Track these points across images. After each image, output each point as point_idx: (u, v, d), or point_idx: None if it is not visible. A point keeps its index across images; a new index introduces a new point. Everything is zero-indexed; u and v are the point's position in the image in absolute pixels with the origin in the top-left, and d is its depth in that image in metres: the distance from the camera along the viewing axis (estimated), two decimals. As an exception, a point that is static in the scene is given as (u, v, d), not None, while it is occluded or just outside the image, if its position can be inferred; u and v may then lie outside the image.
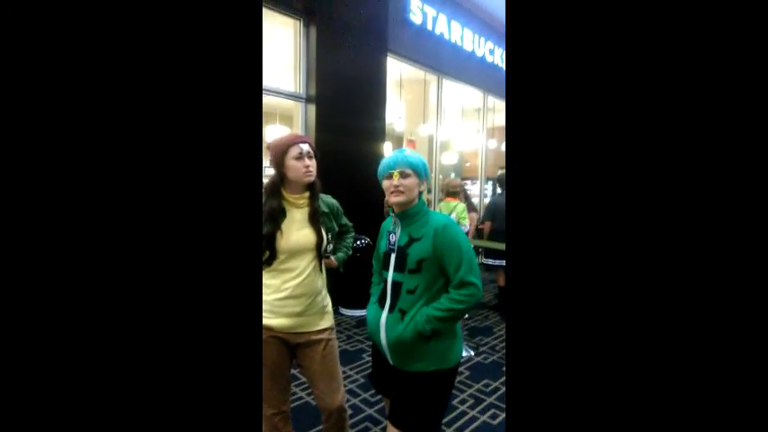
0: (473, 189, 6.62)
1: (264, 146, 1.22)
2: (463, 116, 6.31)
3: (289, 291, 1.21)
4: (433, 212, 1.16)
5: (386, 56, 3.87)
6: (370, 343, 2.75)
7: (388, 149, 4.36)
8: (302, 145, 1.22)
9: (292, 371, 1.43)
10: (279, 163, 1.21)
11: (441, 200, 3.51)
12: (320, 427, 1.75)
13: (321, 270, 1.29)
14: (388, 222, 1.21)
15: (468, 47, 5.19)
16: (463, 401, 2.05)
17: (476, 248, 3.92)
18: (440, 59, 4.79)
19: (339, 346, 1.36)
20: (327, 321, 1.31)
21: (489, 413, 1.95)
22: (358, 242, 3.18)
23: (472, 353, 2.65)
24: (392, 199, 1.12)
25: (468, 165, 7.64)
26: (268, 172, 1.26)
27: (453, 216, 3.20)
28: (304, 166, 1.21)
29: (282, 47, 3.59)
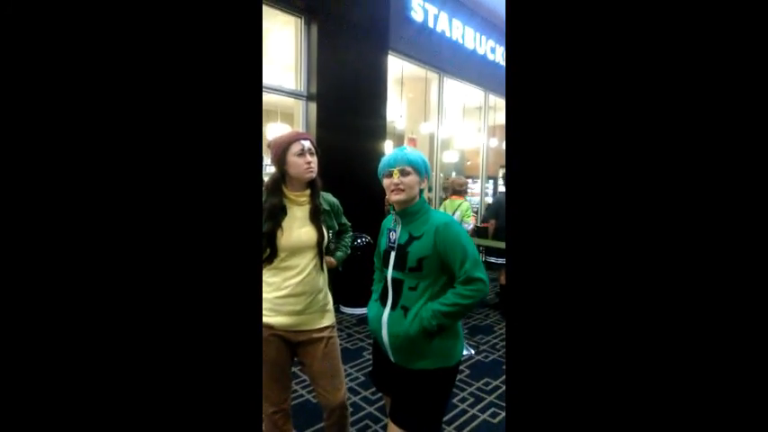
0: (474, 187, 6.62)
1: (265, 143, 1.23)
2: (464, 115, 6.30)
3: (289, 289, 1.21)
4: (434, 211, 1.16)
5: (387, 53, 3.87)
6: (371, 341, 2.77)
7: (389, 148, 4.35)
8: (304, 141, 1.21)
9: (293, 369, 1.43)
10: (280, 160, 1.21)
11: (444, 198, 3.51)
12: (321, 425, 1.76)
13: (322, 268, 1.29)
14: (389, 220, 1.21)
15: (469, 45, 5.18)
16: (463, 400, 2.05)
17: (477, 247, 3.91)
18: (441, 57, 4.78)
19: (339, 345, 1.37)
20: (329, 320, 1.30)
21: (489, 411, 1.95)
22: (359, 240, 3.19)
23: (473, 351, 2.65)
24: (392, 197, 1.11)
25: (469, 163, 7.64)
26: (269, 170, 1.26)
27: (458, 214, 3.21)
28: (305, 163, 1.21)
29: (283, 44, 3.59)
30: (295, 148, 1.20)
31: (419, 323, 1.05)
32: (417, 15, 4.39)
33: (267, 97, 3.19)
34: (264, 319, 1.21)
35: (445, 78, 4.98)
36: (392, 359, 1.14)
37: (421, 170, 1.12)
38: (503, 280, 3.53)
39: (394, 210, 1.16)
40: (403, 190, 1.09)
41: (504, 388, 2.18)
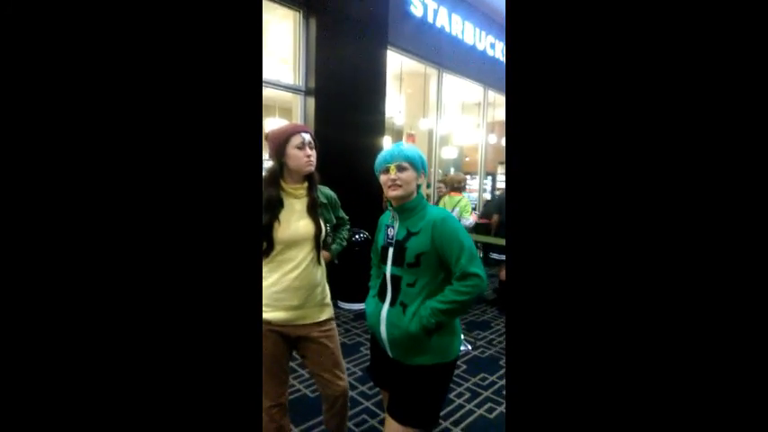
0: (473, 184, 6.62)
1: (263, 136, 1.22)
2: (463, 111, 6.28)
3: (286, 283, 1.21)
4: (432, 206, 1.16)
5: (386, 48, 3.85)
6: (368, 336, 2.77)
7: (387, 143, 4.34)
8: (304, 134, 1.21)
9: (290, 363, 1.44)
10: (279, 152, 1.20)
11: (440, 195, 3.51)
12: (318, 420, 1.77)
13: (319, 262, 1.29)
14: (386, 216, 1.21)
15: (468, 40, 5.16)
16: (460, 395, 2.06)
17: (475, 243, 3.92)
18: (440, 53, 4.76)
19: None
20: (327, 314, 1.30)
21: (486, 407, 1.96)
22: (357, 236, 3.18)
23: (470, 347, 2.66)
24: (390, 193, 1.11)
25: (467, 159, 7.64)
26: (266, 165, 1.25)
27: (456, 210, 3.21)
28: (306, 156, 1.20)
29: (282, 38, 3.56)
30: (296, 140, 1.19)
31: (418, 321, 1.05)
32: (417, 10, 4.37)
33: (265, 92, 3.18)
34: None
35: (444, 74, 4.96)
36: (390, 355, 1.14)
37: (418, 166, 1.12)
38: (502, 276, 3.54)
39: (391, 206, 1.16)
40: (400, 186, 1.09)
41: (500, 383, 2.20)
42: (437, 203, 3.52)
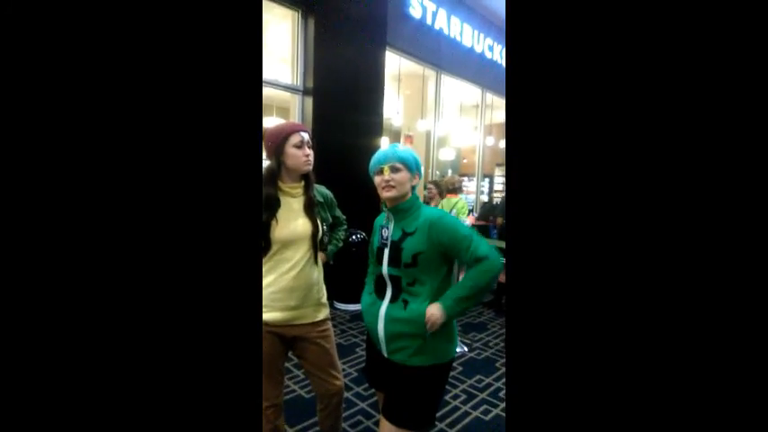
0: (470, 186, 6.63)
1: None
2: (461, 113, 6.30)
3: (283, 283, 1.20)
4: (426, 207, 1.15)
5: (384, 49, 3.85)
6: (364, 337, 2.76)
7: (385, 144, 4.34)
8: (303, 133, 1.20)
9: (285, 364, 1.43)
10: (277, 151, 1.19)
11: (430, 197, 3.50)
12: (313, 420, 1.76)
13: (317, 262, 1.28)
14: (381, 218, 1.21)
15: (467, 42, 5.17)
16: (456, 397, 2.06)
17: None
18: (439, 55, 4.77)
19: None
20: (323, 314, 1.30)
21: (482, 409, 1.96)
22: (354, 237, 3.18)
23: (466, 349, 2.66)
24: (384, 194, 1.11)
25: (465, 161, 7.65)
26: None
27: (453, 212, 3.22)
28: (304, 155, 1.20)
29: (280, 38, 3.55)
30: (294, 139, 1.19)
31: (417, 316, 1.05)
32: (416, 12, 4.37)
33: (263, 91, 3.16)
34: None
35: (443, 76, 4.97)
36: (385, 354, 1.13)
37: (412, 167, 1.11)
38: (501, 277, 3.53)
39: (386, 207, 1.16)
40: (393, 187, 1.09)
41: (496, 385, 2.19)
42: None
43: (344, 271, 3.04)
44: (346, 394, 2.00)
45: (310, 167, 1.23)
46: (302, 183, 1.26)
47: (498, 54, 5.78)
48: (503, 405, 1.99)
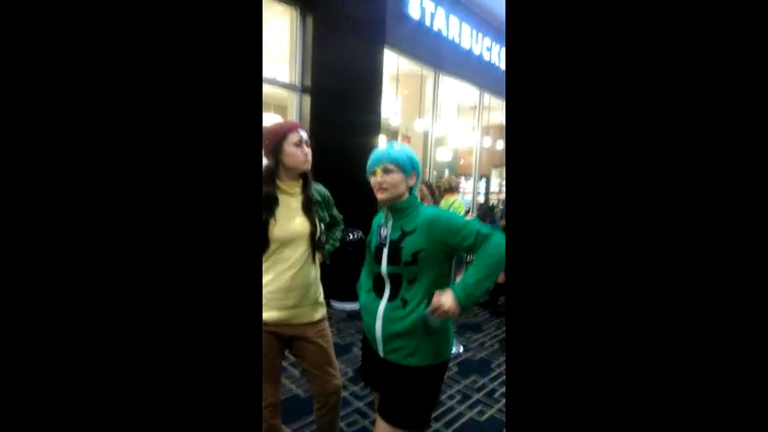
0: (466, 186, 6.65)
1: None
2: (459, 113, 6.30)
3: (281, 282, 1.19)
4: (424, 206, 1.15)
5: (383, 49, 3.84)
6: (361, 336, 2.76)
7: (383, 143, 4.34)
8: (301, 131, 1.20)
9: (282, 363, 1.42)
10: (275, 149, 1.19)
11: (421, 198, 3.51)
12: (310, 419, 1.76)
13: (314, 261, 1.28)
14: (380, 217, 1.20)
15: (465, 43, 5.17)
16: (451, 397, 2.06)
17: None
18: (437, 55, 4.77)
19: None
20: (320, 313, 1.29)
21: (476, 409, 1.96)
22: (351, 236, 3.17)
23: (461, 349, 2.67)
24: (378, 196, 1.11)
25: (462, 162, 7.67)
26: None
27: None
28: (303, 154, 1.19)
29: (278, 36, 3.54)
30: (293, 137, 1.18)
31: (415, 319, 1.04)
32: (414, 12, 4.37)
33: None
34: None
35: (441, 76, 4.97)
36: (381, 354, 1.13)
37: (405, 167, 1.10)
38: (500, 278, 3.52)
39: (384, 206, 1.16)
40: (386, 189, 1.09)
41: (491, 386, 2.20)
42: None
43: (341, 270, 3.03)
44: (343, 393, 2.00)
45: (309, 166, 1.22)
46: (300, 181, 1.25)
47: (496, 55, 5.79)
48: (498, 406, 2.00)
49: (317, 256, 1.32)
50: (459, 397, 2.07)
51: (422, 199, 3.46)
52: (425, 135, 5.28)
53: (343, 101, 3.48)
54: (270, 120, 4.88)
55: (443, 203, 3.36)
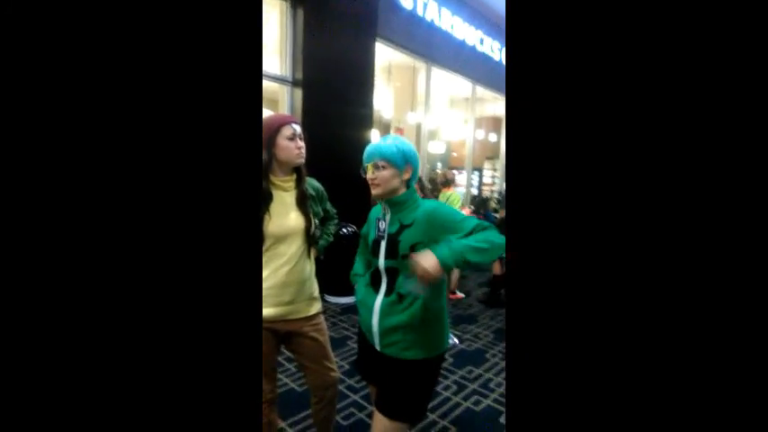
0: (460, 179, 6.66)
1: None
2: (451, 105, 6.29)
3: (277, 278, 1.18)
4: (423, 200, 1.15)
5: (375, 40, 3.80)
6: (356, 330, 2.76)
7: (375, 137, 4.32)
8: (294, 125, 1.18)
9: (277, 358, 1.42)
10: (268, 144, 1.17)
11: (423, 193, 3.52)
12: (305, 413, 1.76)
13: (309, 256, 1.27)
14: (378, 210, 1.20)
15: (458, 35, 5.14)
16: (447, 388, 2.08)
17: None
18: (430, 46, 4.74)
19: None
20: (316, 308, 1.29)
21: (472, 399, 1.98)
22: (344, 230, 3.16)
23: (456, 341, 2.69)
24: (372, 191, 1.11)
25: (454, 155, 7.68)
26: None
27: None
28: (297, 148, 1.18)
29: (268, 27, 3.48)
30: (286, 131, 1.17)
31: (418, 309, 1.02)
32: (407, 2, 4.33)
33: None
34: None
35: (433, 68, 4.94)
36: (378, 347, 1.13)
37: (397, 162, 1.08)
38: (497, 269, 3.53)
39: (382, 200, 1.15)
40: (378, 184, 1.08)
41: (486, 376, 2.22)
42: None
43: (335, 264, 3.03)
44: (339, 386, 2.01)
45: (303, 160, 1.21)
46: (294, 176, 1.24)
47: (489, 47, 5.77)
48: (493, 396, 2.02)
49: (312, 251, 1.31)
50: (454, 387, 2.09)
51: None
52: (418, 127, 5.26)
53: (335, 93, 3.45)
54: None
55: (441, 197, 3.38)
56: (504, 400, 1.93)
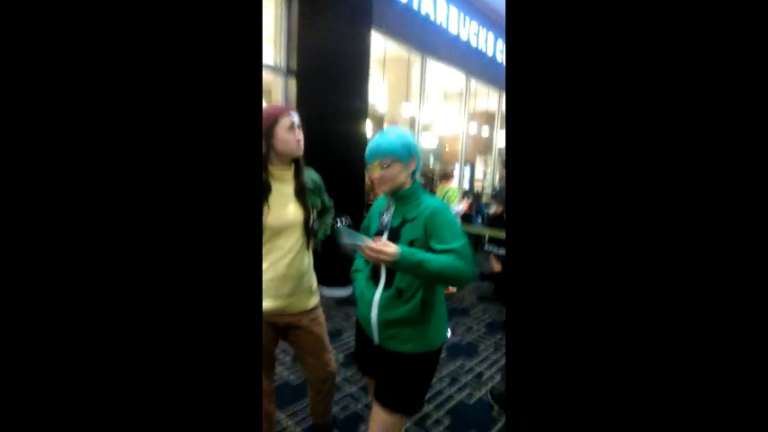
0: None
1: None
2: (445, 99, 6.28)
3: (276, 271, 1.17)
4: (429, 196, 1.14)
5: (370, 31, 3.76)
6: (351, 322, 2.77)
7: (369, 130, 4.28)
8: (293, 115, 1.16)
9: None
10: (267, 134, 1.15)
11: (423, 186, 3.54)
12: (301, 404, 1.76)
13: (308, 248, 1.26)
14: (381, 202, 1.19)
15: (453, 28, 5.12)
16: (440, 380, 2.10)
17: (479, 237, 3.96)
18: (425, 39, 4.71)
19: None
20: (314, 301, 1.29)
21: (465, 392, 2.01)
22: (339, 222, 3.15)
23: (449, 333, 2.71)
24: (379, 189, 1.10)
25: (447, 149, 7.67)
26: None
27: (444, 200, 3.25)
28: (296, 139, 1.16)
29: (263, 17, 3.42)
30: (285, 122, 1.15)
31: (408, 260, 0.96)
32: (402, -6, 4.28)
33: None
34: None
35: (428, 60, 4.92)
36: (377, 341, 1.13)
37: (403, 156, 1.07)
38: (495, 268, 3.53)
39: (386, 193, 1.14)
40: (386, 182, 1.08)
41: (479, 370, 2.25)
42: None
43: (329, 256, 3.02)
44: (333, 379, 2.01)
45: (301, 151, 1.19)
46: (293, 167, 1.22)
47: (483, 41, 5.76)
48: (485, 389, 2.05)
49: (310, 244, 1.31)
50: (448, 380, 2.11)
51: None
52: (412, 121, 5.24)
53: (330, 84, 3.40)
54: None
55: (439, 192, 3.38)
56: (497, 390, 1.95)
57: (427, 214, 1.06)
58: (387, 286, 1.10)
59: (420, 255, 0.96)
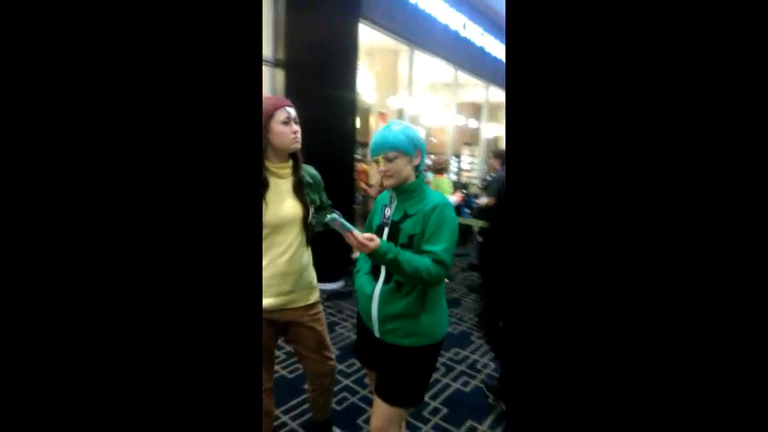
0: (440, 164, 6.68)
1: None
2: (432, 91, 6.26)
3: (277, 268, 1.16)
4: (432, 191, 1.14)
5: (358, 21, 3.71)
6: (343, 316, 2.77)
7: (359, 121, 4.24)
8: (289, 109, 1.14)
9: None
10: (263, 129, 1.13)
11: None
12: (298, 399, 1.76)
13: (307, 244, 1.25)
14: (385, 196, 1.19)
15: (441, 19, 5.08)
16: (436, 370, 2.13)
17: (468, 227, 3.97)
18: (413, 30, 4.66)
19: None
20: (314, 296, 1.28)
21: (461, 381, 2.04)
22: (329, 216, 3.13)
23: (442, 324, 2.74)
24: (384, 183, 1.10)
25: (434, 140, 7.68)
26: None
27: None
28: (292, 132, 1.13)
29: (248, 5, 3.33)
30: (280, 115, 1.12)
31: (387, 251, 1.00)
32: (390, -17, 4.22)
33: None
34: None
35: (416, 51, 4.88)
36: (377, 334, 1.14)
37: (407, 149, 1.08)
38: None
39: (390, 188, 1.14)
40: (392, 176, 1.07)
41: (473, 358, 2.29)
42: None
43: (321, 250, 3.00)
44: (329, 372, 2.02)
45: (299, 145, 1.17)
46: (290, 162, 1.20)
47: (471, 32, 5.74)
48: (480, 376, 2.09)
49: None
50: (443, 369, 2.14)
51: None
52: (400, 112, 5.21)
53: (318, 75, 3.35)
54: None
55: (433, 184, 3.40)
56: (490, 381, 1.99)
57: (426, 210, 1.06)
58: (387, 280, 1.10)
59: (395, 254, 0.99)
